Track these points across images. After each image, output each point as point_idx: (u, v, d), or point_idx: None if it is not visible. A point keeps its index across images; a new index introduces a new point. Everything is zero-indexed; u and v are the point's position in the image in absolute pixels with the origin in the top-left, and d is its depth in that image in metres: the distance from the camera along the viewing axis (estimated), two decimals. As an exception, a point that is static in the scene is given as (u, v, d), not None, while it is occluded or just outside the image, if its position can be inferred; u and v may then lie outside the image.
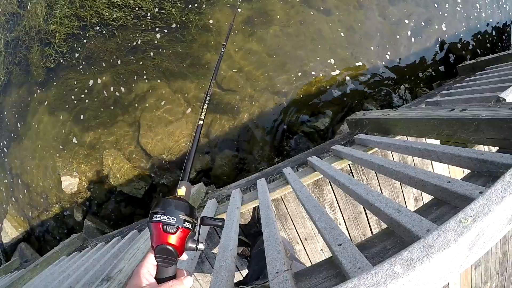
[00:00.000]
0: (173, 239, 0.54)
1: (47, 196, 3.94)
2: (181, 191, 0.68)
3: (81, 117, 3.72)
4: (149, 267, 0.57)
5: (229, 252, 1.07)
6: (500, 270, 2.61)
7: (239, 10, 2.73)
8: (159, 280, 0.56)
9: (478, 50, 4.02)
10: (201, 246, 0.60)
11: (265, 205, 1.46)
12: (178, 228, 0.55)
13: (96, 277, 1.58)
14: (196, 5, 3.59)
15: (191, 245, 0.58)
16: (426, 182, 0.97)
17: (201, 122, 0.90)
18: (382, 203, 0.94)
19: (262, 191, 1.80)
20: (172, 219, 0.54)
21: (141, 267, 0.57)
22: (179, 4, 3.60)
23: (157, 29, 3.61)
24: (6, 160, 4.37)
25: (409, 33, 3.74)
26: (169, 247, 0.54)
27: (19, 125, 4.22)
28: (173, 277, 0.57)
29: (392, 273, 0.51)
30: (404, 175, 1.12)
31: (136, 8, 3.67)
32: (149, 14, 3.64)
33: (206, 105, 0.97)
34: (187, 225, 0.56)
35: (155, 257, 0.56)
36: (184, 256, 0.59)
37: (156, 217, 0.55)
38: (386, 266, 0.53)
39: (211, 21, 3.55)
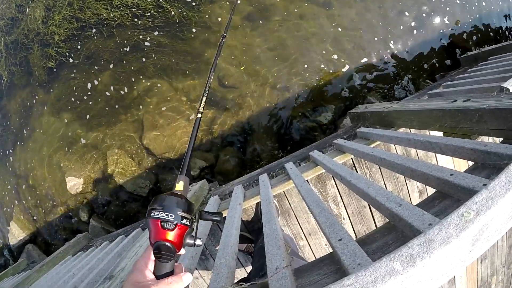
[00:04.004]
0: (171, 235, 0.54)
1: (53, 197, 3.97)
2: (179, 186, 0.67)
3: (85, 117, 3.73)
4: (148, 262, 0.57)
5: (230, 249, 1.06)
6: (506, 263, 2.58)
7: (239, 2, 2.68)
8: (158, 276, 0.56)
9: (480, 40, 3.94)
10: (198, 242, 0.60)
11: (266, 200, 1.46)
12: (176, 225, 0.55)
13: (100, 275, 1.59)
14: (194, 3, 3.57)
15: (189, 241, 0.58)
16: (429, 175, 0.95)
17: (199, 115, 0.86)
18: (383, 197, 0.92)
19: (264, 186, 1.79)
20: (171, 216, 0.55)
21: (140, 262, 0.57)
22: (177, 3, 3.58)
23: (156, 27, 3.59)
24: (11, 162, 4.40)
25: (412, 24, 3.68)
26: (168, 244, 0.54)
27: (23, 127, 4.24)
28: (171, 272, 0.57)
29: (391, 270, 0.50)
30: (406, 168, 1.10)
31: (134, 8, 3.66)
32: (147, 13, 3.63)
33: (205, 98, 0.92)
34: (185, 221, 0.56)
35: (154, 253, 0.56)
36: (182, 251, 0.59)
37: (154, 213, 0.55)
38: (385, 263, 0.51)
39: (210, 18, 3.52)
